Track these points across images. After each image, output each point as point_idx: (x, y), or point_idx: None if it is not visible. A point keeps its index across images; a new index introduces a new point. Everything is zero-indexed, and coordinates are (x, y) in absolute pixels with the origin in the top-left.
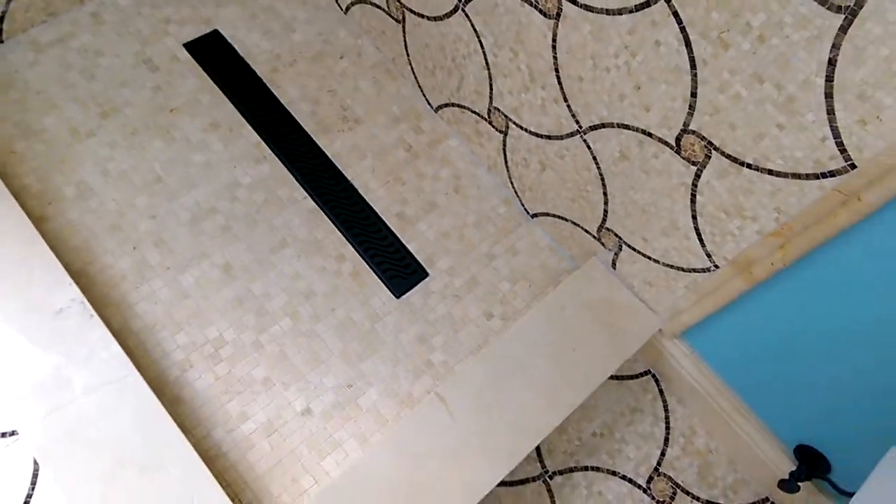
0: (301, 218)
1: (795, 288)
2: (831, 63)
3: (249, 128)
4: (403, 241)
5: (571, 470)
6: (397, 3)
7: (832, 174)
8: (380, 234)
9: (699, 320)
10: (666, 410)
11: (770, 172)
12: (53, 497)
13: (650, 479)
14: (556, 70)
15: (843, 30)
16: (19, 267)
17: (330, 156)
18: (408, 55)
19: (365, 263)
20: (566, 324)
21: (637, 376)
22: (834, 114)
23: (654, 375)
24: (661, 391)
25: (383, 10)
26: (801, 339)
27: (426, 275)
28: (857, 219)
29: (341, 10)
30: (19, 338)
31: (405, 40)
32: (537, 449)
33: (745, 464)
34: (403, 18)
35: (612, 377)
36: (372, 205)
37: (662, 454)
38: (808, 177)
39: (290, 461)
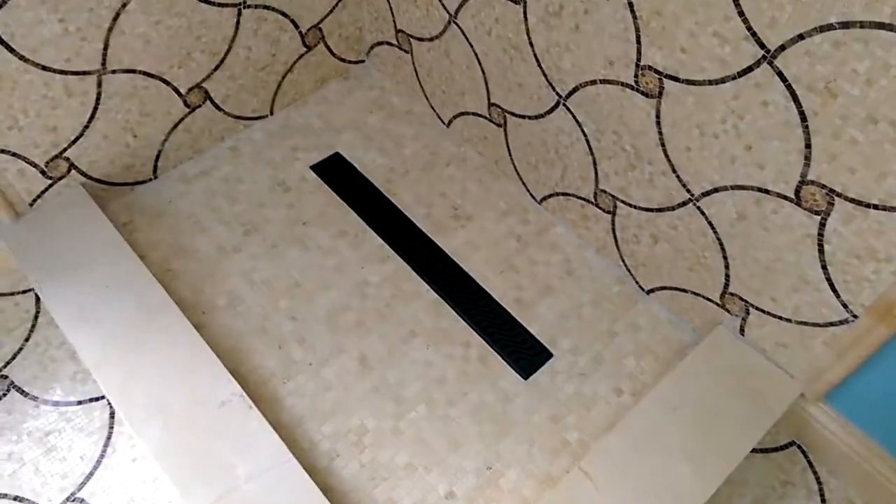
0: (426, 310)
1: None
2: None
3: (373, 233)
4: (524, 325)
5: None
6: (498, 110)
7: None
8: (501, 320)
9: (843, 379)
10: (819, 483)
11: None
12: None
13: None
14: (662, 144)
15: None
16: (187, 367)
17: (447, 251)
18: (510, 154)
19: (490, 348)
20: (701, 393)
21: (782, 448)
22: None
23: (799, 446)
24: (809, 462)
25: (485, 117)
26: None
27: (551, 355)
28: None
29: (444, 124)
30: (189, 429)
31: (507, 141)
32: None
33: None
34: (505, 122)
35: (755, 451)
36: (490, 293)
37: None
38: None
39: None
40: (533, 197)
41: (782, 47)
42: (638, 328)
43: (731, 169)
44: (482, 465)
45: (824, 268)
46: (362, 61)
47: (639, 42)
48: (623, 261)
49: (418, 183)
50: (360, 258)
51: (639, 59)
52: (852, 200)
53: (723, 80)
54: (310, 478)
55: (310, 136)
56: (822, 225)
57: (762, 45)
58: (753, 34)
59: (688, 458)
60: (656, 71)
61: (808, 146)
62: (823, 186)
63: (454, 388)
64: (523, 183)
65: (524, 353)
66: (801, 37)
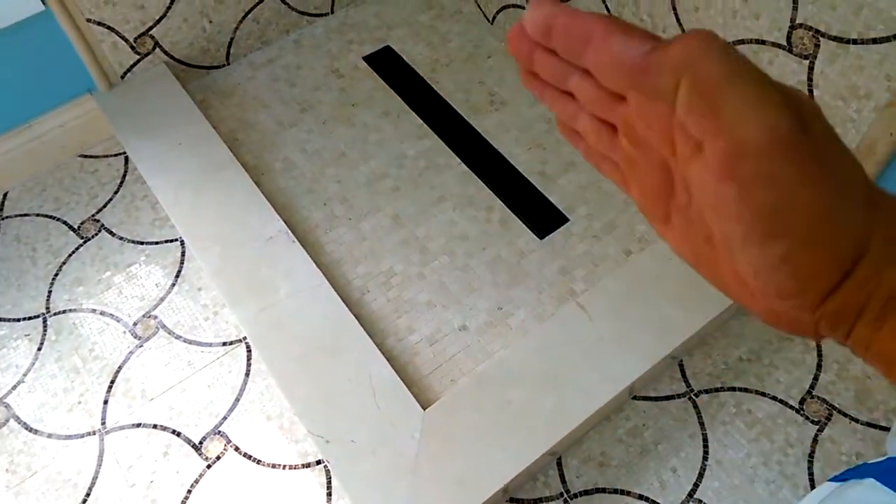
0: (456, 179)
1: None
2: None
3: (414, 115)
4: (545, 195)
5: (718, 390)
6: None
7: None
8: (524, 189)
9: None
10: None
11: (874, 41)
12: (263, 372)
13: (802, 401)
14: (674, 8)
15: None
16: (243, 209)
17: (480, 132)
18: None
19: (511, 213)
20: None
21: None
22: None
23: None
24: None
25: (522, 7)
26: None
27: (567, 220)
28: None
29: (488, 20)
30: (242, 256)
31: None
32: (682, 370)
33: None
34: None
35: None
36: (517, 167)
37: (815, 378)
38: None
39: (449, 366)
40: None
41: None
42: None
43: (733, 24)
44: (494, 306)
45: None
46: None
47: None
48: None
49: (459, 73)
50: (401, 135)
51: None
52: (835, 38)
53: None
54: (340, 297)
55: (364, 31)
56: (811, 69)
57: None
58: None
59: (678, 300)
60: None
61: None
62: (810, 28)
63: (475, 244)
64: None
65: (542, 217)
66: None
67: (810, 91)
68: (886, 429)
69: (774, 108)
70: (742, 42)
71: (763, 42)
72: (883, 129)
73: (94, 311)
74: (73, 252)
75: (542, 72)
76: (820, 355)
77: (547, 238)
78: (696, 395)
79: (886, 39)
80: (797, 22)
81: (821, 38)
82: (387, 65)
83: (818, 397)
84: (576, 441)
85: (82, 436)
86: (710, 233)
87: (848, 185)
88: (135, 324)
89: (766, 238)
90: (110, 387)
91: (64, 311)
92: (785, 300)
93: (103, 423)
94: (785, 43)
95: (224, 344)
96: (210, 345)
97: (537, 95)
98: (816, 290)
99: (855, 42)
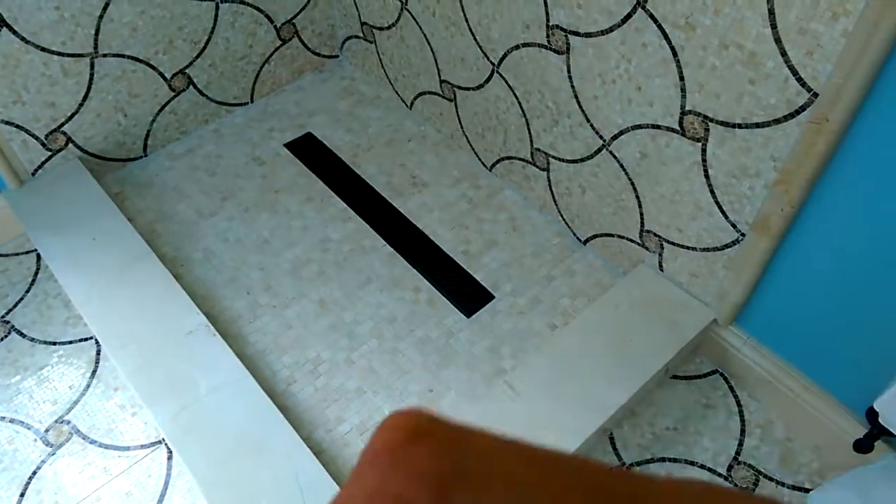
0: (381, 261)
1: (813, 232)
2: (771, 13)
3: (337, 198)
4: (470, 272)
5: (648, 461)
6: (448, 85)
7: (803, 108)
8: (449, 268)
9: (746, 299)
10: (739, 405)
11: (757, 125)
12: (185, 475)
13: (730, 468)
14: (576, 97)
15: None
16: (161, 303)
17: (404, 213)
18: (462, 128)
19: (438, 292)
20: (621, 319)
21: (705, 376)
22: (787, 54)
23: (722, 374)
24: (731, 387)
25: (438, 94)
26: (836, 286)
27: (492, 297)
28: (832, 139)
29: (407, 106)
30: (159, 353)
31: (458, 115)
32: (612, 443)
33: (828, 448)
34: (454, 96)
35: (680, 377)
36: (441, 246)
37: (740, 444)
38: (786, 118)
39: None
40: (484, 164)
41: None
42: (574, 274)
43: (630, 110)
44: (424, 388)
45: (712, 192)
46: (336, 56)
47: (546, 4)
48: (561, 215)
49: (381, 157)
50: (324, 220)
51: (548, 20)
52: (722, 123)
53: (611, 29)
54: (264, 391)
55: (285, 119)
56: (704, 150)
57: None
58: None
59: (603, 373)
60: (562, 29)
61: (681, 78)
62: (699, 114)
63: (403, 326)
64: (475, 153)
65: (468, 295)
66: None
67: (706, 171)
68: (810, 490)
69: None
70: (640, 127)
71: (658, 127)
72: (774, 205)
73: (2, 418)
74: None
75: None
76: (742, 420)
77: (474, 316)
78: (628, 469)
79: (767, 124)
80: (687, 108)
81: (710, 123)
82: (309, 151)
83: (745, 463)
84: None
85: None
86: None
87: None
88: (46, 430)
89: None
90: (20, 500)
91: None
92: None
93: None
94: (678, 127)
95: (143, 447)
96: (128, 448)
97: None
98: None
99: (740, 126)
